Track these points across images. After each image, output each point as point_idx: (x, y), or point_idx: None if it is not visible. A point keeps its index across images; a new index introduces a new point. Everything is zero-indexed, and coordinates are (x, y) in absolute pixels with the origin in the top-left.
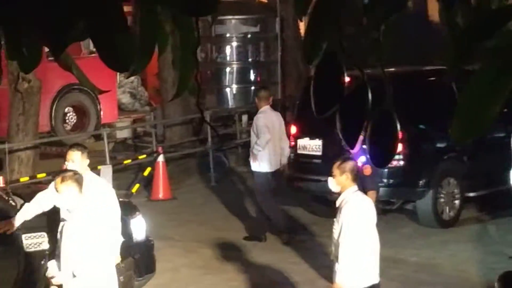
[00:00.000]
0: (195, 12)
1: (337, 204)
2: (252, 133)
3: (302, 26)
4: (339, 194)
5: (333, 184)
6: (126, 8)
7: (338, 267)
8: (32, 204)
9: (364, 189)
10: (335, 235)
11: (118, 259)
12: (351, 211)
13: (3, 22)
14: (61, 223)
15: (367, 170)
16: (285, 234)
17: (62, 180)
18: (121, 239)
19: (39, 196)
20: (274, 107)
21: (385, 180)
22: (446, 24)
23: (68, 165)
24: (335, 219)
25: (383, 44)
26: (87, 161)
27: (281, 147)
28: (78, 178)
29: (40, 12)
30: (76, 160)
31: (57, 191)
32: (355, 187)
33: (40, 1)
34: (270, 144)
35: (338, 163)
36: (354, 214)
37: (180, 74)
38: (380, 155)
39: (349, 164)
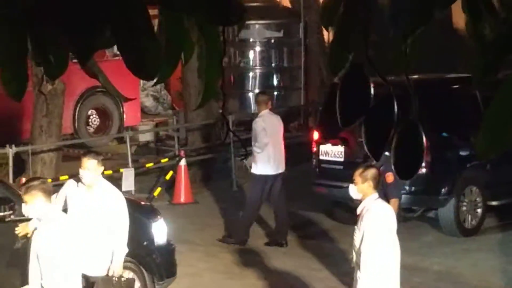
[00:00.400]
0: (222, 21)
1: (358, 211)
2: (252, 136)
3: (325, 31)
4: (360, 201)
5: (354, 191)
6: (152, 12)
7: (359, 275)
8: None
9: (386, 196)
10: (356, 242)
11: (120, 270)
12: (372, 220)
13: (31, 29)
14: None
15: (390, 178)
16: (231, 240)
17: (27, 191)
18: (125, 250)
19: (52, 198)
20: (296, 112)
21: (407, 188)
22: (473, 36)
23: (83, 172)
24: (356, 227)
25: (409, 57)
26: (102, 168)
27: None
28: (44, 187)
29: (66, 19)
30: (92, 168)
31: (23, 201)
32: (376, 194)
33: (67, 8)
34: (270, 148)
35: (360, 170)
36: (376, 222)
37: (205, 83)
38: (405, 167)
39: (371, 172)
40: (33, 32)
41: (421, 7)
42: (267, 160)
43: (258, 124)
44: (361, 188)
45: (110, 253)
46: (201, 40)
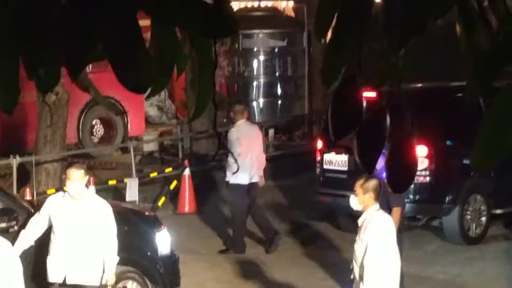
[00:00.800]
0: (214, 33)
1: (359, 223)
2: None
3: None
4: (361, 212)
5: (355, 202)
6: (144, 22)
7: (362, 287)
8: (28, 230)
9: (389, 205)
10: (358, 254)
11: (113, 279)
12: (375, 232)
13: (21, 43)
14: None
15: None
16: (230, 251)
17: None
18: (117, 258)
19: (33, 220)
20: (300, 121)
21: (411, 196)
22: (467, 47)
23: (71, 184)
24: (357, 238)
25: (403, 68)
26: (87, 178)
27: (259, 160)
28: None
29: (57, 34)
30: (79, 178)
31: None
32: (377, 205)
33: (58, 22)
34: (244, 158)
35: (361, 181)
36: (379, 235)
37: (198, 96)
38: (398, 180)
39: (372, 183)
40: (24, 46)
41: (414, 18)
42: (241, 170)
43: (232, 134)
44: (362, 199)
45: (101, 262)
46: (193, 52)
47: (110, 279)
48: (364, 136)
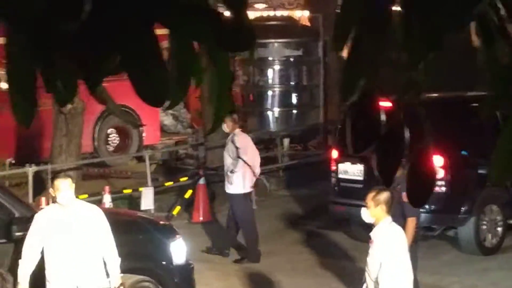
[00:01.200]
0: (232, 47)
1: (372, 236)
2: (226, 155)
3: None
4: (373, 225)
5: (367, 215)
6: (160, 31)
7: None
8: (29, 255)
9: (404, 215)
10: (370, 267)
11: (119, 281)
12: (387, 247)
13: (39, 57)
14: None
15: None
16: (245, 260)
17: None
18: (118, 260)
19: (29, 243)
20: (315, 130)
21: (426, 206)
22: (486, 60)
23: (61, 194)
24: (369, 251)
25: (422, 82)
26: (74, 186)
27: (253, 167)
28: None
29: (75, 47)
30: (68, 187)
31: None
32: (390, 218)
33: (75, 35)
34: (244, 167)
35: (372, 194)
36: (393, 249)
37: (215, 110)
38: (417, 194)
39: (383, 195)
40: (41, 60)
41: (432, 33)
42: (247, 178)
43: (241, 142)
44: (374, 212)
45: (103, 266)
46: (211, 65)
47: (116, 281)
48: (383, 149)
